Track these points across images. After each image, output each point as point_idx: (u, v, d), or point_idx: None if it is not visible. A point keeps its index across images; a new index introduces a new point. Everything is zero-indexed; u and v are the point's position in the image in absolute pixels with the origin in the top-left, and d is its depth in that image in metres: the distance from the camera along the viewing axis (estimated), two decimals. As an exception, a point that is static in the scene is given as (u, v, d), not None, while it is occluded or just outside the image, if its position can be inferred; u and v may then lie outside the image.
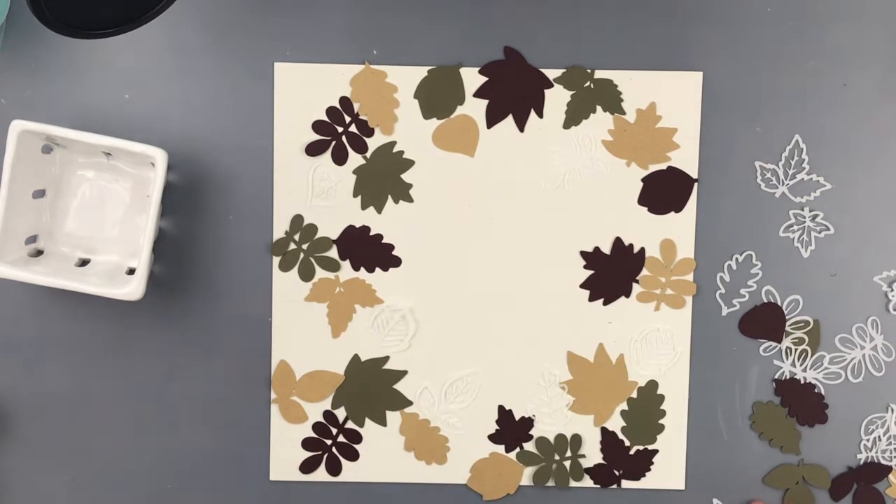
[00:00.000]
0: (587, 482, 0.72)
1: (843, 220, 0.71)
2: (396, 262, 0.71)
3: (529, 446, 0.72)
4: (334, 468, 0.71)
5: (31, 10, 0.55)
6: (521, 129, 0.70)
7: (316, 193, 0.70)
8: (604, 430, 0.72)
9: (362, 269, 0.71)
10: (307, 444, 0.71)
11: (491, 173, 0.70)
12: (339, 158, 0.70)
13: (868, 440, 0.72)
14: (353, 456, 0.71)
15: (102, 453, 0.71)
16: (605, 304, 0.71)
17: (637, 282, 0.71)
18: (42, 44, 0.69)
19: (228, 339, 0.70)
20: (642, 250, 0.71)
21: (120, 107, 0.69)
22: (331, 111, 0.70)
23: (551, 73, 0.70)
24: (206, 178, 0.70)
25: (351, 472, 0.72)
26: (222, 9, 0.69)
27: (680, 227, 0.71)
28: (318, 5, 0.69)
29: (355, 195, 0.70)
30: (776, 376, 0.72)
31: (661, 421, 0.72)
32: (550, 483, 0.72)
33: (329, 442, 0.71)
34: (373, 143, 0.70)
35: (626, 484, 0.72)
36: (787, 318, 0.71)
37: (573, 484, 0.72)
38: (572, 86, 0.70)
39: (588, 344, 0.71)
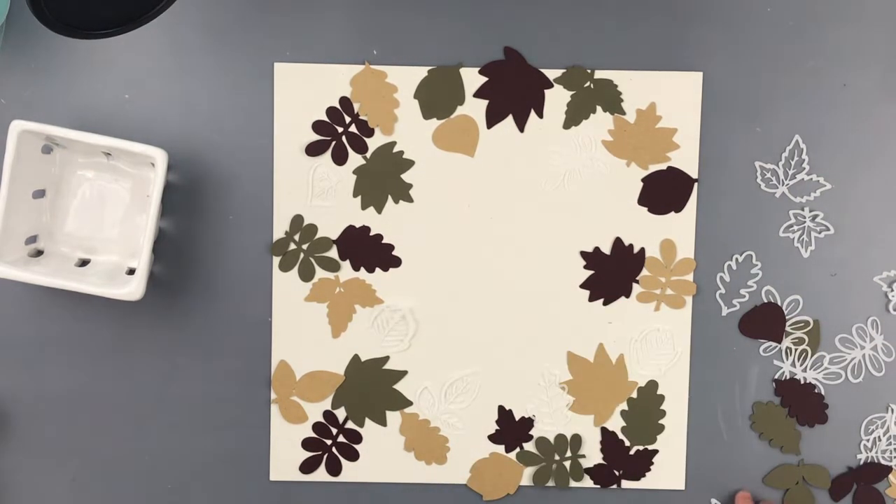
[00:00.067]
0: (587, 482, 0.72)
1: (843, 220, 0.71)
2: (396, 262, 0.71)
3: (529, 446, 0.72)
4: (334, 468, 0.71)
5: (31, 10, 0.55)
6: (521, 129, 0.70)
7: (316, 193, 0.70)
8: (604, 430, 0.72)
9: (362, 269, 0.71)
10: (307, 444, 0.71)
11: (491, 173, 0.70)
12: (339, 158, 0.70)
13: (868, 440, 0.72)
14: (353, 456, 0.71)
15: (102, 453, 0.71)
16: (605, 304, 0.71)
17: (637, 282, 0.71)
18: (42, 44, 0.69)
19: (228, 339, 0.70)
20: (642, 250, 0.71)
21: (120, 107, 0.69)
22: (331, 111, 0.70)
23: (551, 73, 0.70)
24: (206, 178, 0.70)
25: (351, 472, 0.72)
26: (222, 9, 0.69)
27: (680, 227, 0.71)
28: (318, 5, 0.69)
29: (355, 195, 0.70)
30: (776, 376, 0.72)
31: (661, 421, 0.72)
32: (550, 483, 0.72)
33: (329, 442, 0.71)
34: (373, 143, 0.70)
35: (626, 484, 0.72)
36: (787, 318, 0.71)
37: (573, 484, 0.72)
38: (572, 86, 0.70)
39: (588, 344, 0.71)
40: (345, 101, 0.70)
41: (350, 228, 0.70)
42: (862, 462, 0.72)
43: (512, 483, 0.72)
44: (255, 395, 0.71)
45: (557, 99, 0.70)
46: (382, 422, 0.71)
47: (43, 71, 0.69)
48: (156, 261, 0.70)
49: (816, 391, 0.72)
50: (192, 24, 0.69)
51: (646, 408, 0.72)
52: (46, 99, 0.69)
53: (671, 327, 0.71)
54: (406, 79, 0.70)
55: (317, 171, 0.70)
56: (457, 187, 0.70)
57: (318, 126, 0.70)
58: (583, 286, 0.71)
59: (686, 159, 0.70)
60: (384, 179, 0.70)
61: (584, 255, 0.71)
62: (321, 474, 0.71)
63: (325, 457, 0.71)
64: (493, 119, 0.70)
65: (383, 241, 0.71)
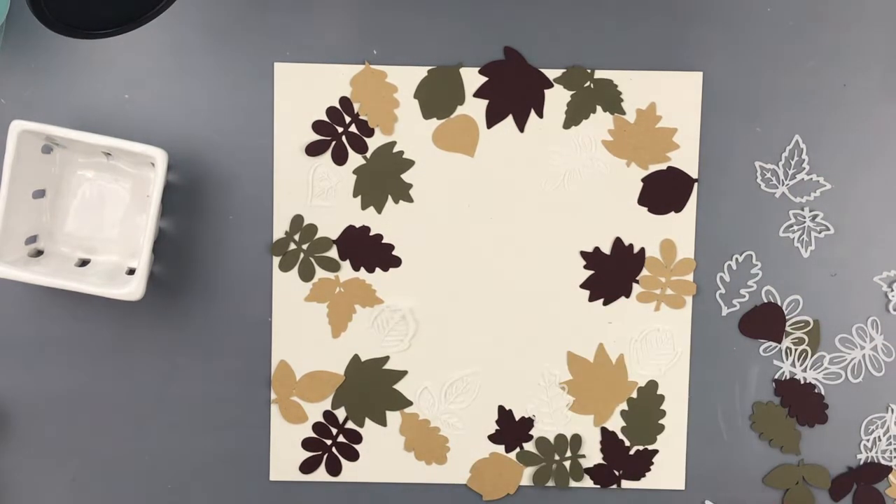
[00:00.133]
0: (587, 482, 0.72)
1: (843, 220, 0.71)
2: (396, 262, 0.71)
3: (529, 446, 0.72)
4: (334, 468, 0.71)
5: (31, 10, 0.55)
6: (521, 129, 0.70)
7: (316, 193, 0.70)
8: (604, 430, 0.72)
9: (362, 269, 0.71)
10: (307, 444, 0.71)
11: (491, 173, 0.70)
12: (339, 158, 0.70)
13: (868, 440, 0.72)
14: (353, 456, 0.71)
15: (102, 453, 0.71)
16: (605, 304, 0.71)
17: (637, 282, 0.71)
18: (42, 44, 0.69)
19: (228, 339, 0.70)
20: (642, 250, 0.71)
21: (120, 107, 0.69)
22: (331, 111, 0.70)
23: (551, 73, 0.70)
24: (206, 178, 0.70)
25: (351, 472, 0.72)
26: (222, 9, 0.69)
27: (680, 227, 0.71)
28: (318, 5, 0.69)
29: (355, 195, 0.70)
30: (776, 376, 0.72)
31: (661, 421, 0.72)
32: (550, 483, 0.72)
33: (329, 442, 0.71)
34: (373, 143, 0.70)
35: (626, 484, 0.72)
36: (787, 318, 0.71)
37: (573, 484, 0.72)
38: (572, 86, 0.70)
39: (588, 344, 0.71)
40: (345, 101, 0.70)
41: (350, 228, 0.70)
42: (862, 462, 0.72)
43: (512, 483, 0.72)
44: (255, 395, 0.71)
45: (557, 99, 0.70)
46: (382, 422, 0.71)
47: (43, 71, 0.69)
48: (156, 261, 0.70)
49: (816, 391, 0.72)
50: (192, 24, 0.69)
51: (646, 408, 0.72)
52: (46, 99, 0.69)
53: (671, 327, 0.71)
54: (406, 79, 0.70)
55: (317, 171, 0.70)
56: (457, 187, 0.70)
57: (318, 126, 0.70)
58: (583, 286, 0.71)
59: (686, 159, 0.70)
60: (384, 179, 0.70)
61: (584, 255, 0.71)
62: (321, 474, 0.71)
63: (325, 457, 0.71)
64: (493, 119, 0.70)
65: (383, 241, 0.71)
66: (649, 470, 0.72)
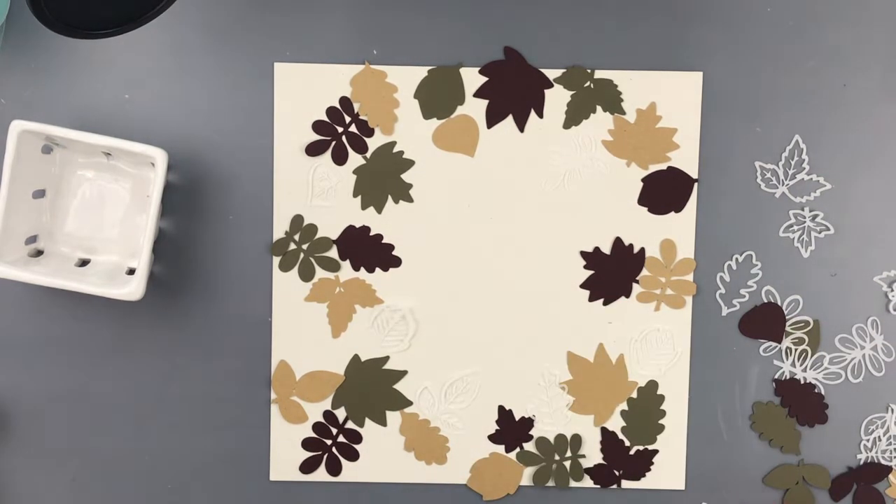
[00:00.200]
0: (587, 482, 0.72)
1: (843, 220, 0.71)
2: (396, 262, 0.71)
3: (529, 446, 0.72)
4: (334, 468, 0.71)
5: (31, 10, 0.55)
6: (521, 129, 0.70)
7: (316, 193, 0.70)
8: (604, 430, 0.72)
9: (362, 269, 0.71)
10: (307, 444, 0.71)
11: (491, 173, 0.70)
12: (339, 158, 0.70)
13: (868, 440, 0.72)
14: (353, 456, 0.71)
15: (102, 453, 0.71)
16: (605, 304, 0.71)
17: (637, 282, 0.71)
18: (42, 44, 0.69)
19: (228, 339, 0.70)
20: (642, 250, 0.71)
21: (120, 107, 0.69)
22: (331, 111, 0.70)
23: (551, 73, 0.70)
24: (206, 178, 0.70)
25: (351, 472, 0.72)
26: (222, 9, 0.69)
27: (680, 227, 0.71)
28: (318, 5, 0.69)
29: (355, 195, 0.70)
30: (776, 376, 0.72)
31: (661, 421, 0.72)
32: (550, 483, 0.72)
33: (329, 442, 0.71)
34: (373, 143, 0.70)
35: (626, 484, 0.72)
36: (787, 318, 0.71)
37: (573, 484, 0.72)
38: (572, 86, 0.70)
39: (588, 344, 0.71)
40: (345, 101, 0.70)
41: (350, 228, 0.70)
42: (862, 462, 0.72)
43: (512, 483, 0.72)
44: (255, 395, 0.71)
45: (557, 99, 0.70)
46: (382, 422, 0.71)
47: (43, 71, 0.69)
48: (156, 261, 0.70)
49: (816, 391, 0.72)
50: (192, 24, 0.69)
51: (646, 408, 0.72)
52: (46, 99, 0.69)
53: (671, 327, 0.71)
54: (406, 79, 0.70)
55: (317, 171, 0.70)
56: (457, 187, 0.70)
57: (318, 126, 0.70)
58: (583, 286, 0.71)
59: (686, 159, 0.70)
60: (384, 179, 0.70)
61: (584, 255, 0.71)
62: (321, 474, 0.71)
63: (325, 457, 0.71)
64: (493, 119, 0.70)
65: (383, 241, 0.71)
66: (649, 470, 0.72)
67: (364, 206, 0.70)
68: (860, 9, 0.70)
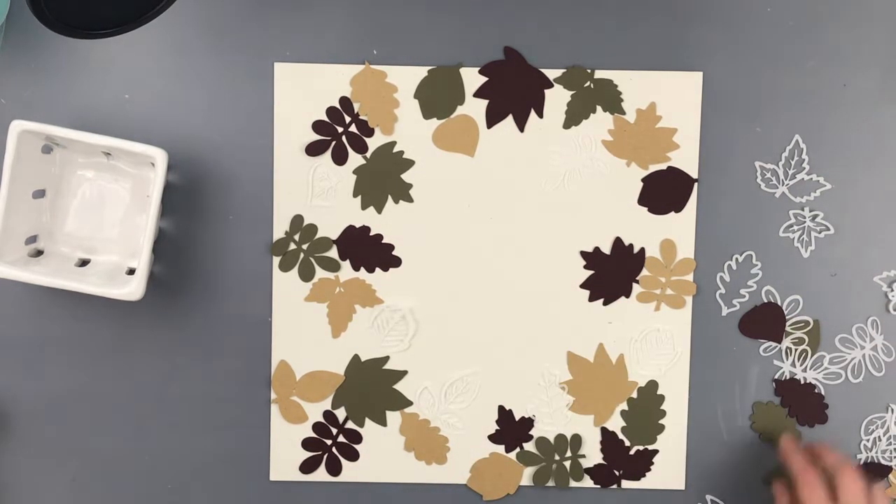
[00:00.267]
0: (587, 482, 0.72)
1: (843, 220, 0.71)
2: (396, 262, 0.71)
3: (529, 446, 0.72)
4: (334, 468, 0.71)
5: (31, 10, 0.55)
6: (521, 129, 0.70)
7: (316, 193, 0.70)
8: (604, 430, 0.72)
9: (362, 269, 0.71)
10: (307, 444, 0.71)
11: (491, 173, 0.70)
12: (339, 158, 0.70)
13: (868, 440, 0.72)
14: (353, 456, 0.71)
15: (102, 453, 0.71)
16: (605, 304, 0.71)
17: (637, 282, 0.71)
18: (42, 44, 0.69)
19: (228, 339, 0.70)
20: (642, 250, 0.71)
21: (120, 107, 0.69)
22: (331, 111, 0.70)
23: (551, 73, 0.70)
24: (206, 178, 0.70)
25: (351, 472, 0.72)
26: (222, 9, 0.69)
27: (680, 227, 0.71)
28: (318, 5, 0.69)
29: (355, 195, 0.70)
30: (776, 376, 0.72)
31: (661, 421, 0.72)
32: (550, 483, 0.72)
33: (329, 442, 0.71)
34: (373, 143, 0.70)
35: (626, 484, 0.72)
36: (787, 318, 0.71)
37: (573, 484, 0.72)
38: (572, 86, 0.70)
39: (588, 344, 0.71)
40: (345, 101, 0.70)
41: (350, 228, 0.70)
42: (862, 462, 0.72)
43: (512, 483, 0.72)
44: (255, 395, 0.71)
45: (557, 99, 0.70)
46: (382, 422, 0.71)
47: (43, 71, 0.69)
48: (156, 261, 0.70)
49: (816, 391, 0.72)
50: (192, 24, 0.69)
51: (646, 408, 0.72)
52: (46, 99, 0.69)
53: (671, 327, 0.71)
54: (406, 79, 0.70)
55: (317, 171, 0.70)
56: (457, 187, 0.70)
57: (318, 126, 0.70)
58: (583, 286, 0.71)
59: (686, 159, 0.70)
60: (384, 179, 0.70)
61: (584, 255, 0.71)
62: (321, 474, 0.71)
63: (325, 457, 0.71)
64: (493, 119, 0.70)
65: (383, 241, 0.71)
66: (649, 470, 0.72)
67: (364, 206, 0.70)
68: (860, 9, 0.70)
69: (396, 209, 0.70)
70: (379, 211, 0.70)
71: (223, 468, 0.71)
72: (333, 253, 0.70)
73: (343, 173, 0.70)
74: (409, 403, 0.71)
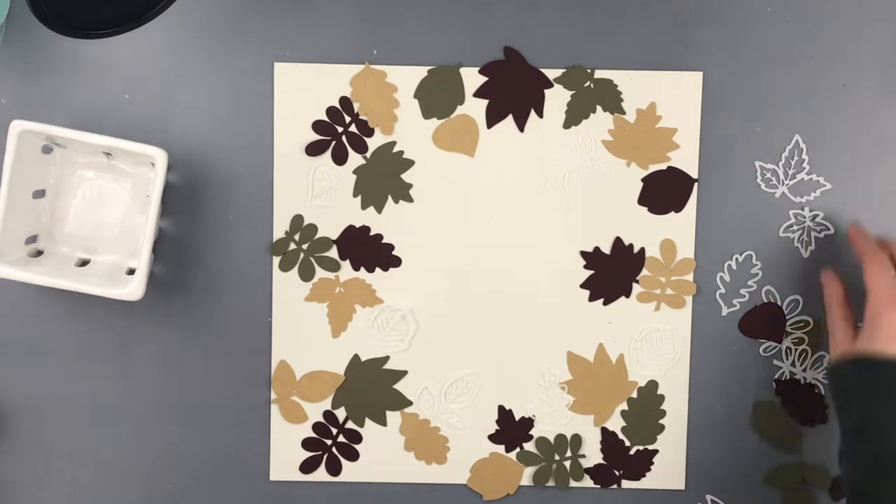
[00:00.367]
0: (587, 482, 0.72)
1: (843, 220, 0.71)
2: (396, 262, 0.71)
3: (529, 446, 0.72)
4: (334, 468, 0.71)
5: (31, 10, 0.55)
6: (521, 129, 0.70)
7: (316, 193, 0.70)
8: (604, 430, 0.72)
9: (362, 269, 0.71)
10: (307, 444, 0.71)
11: (491, 173, 0.70)
12: (339, 158, 0.70)
13: (868, 440, 0.72)
14: (353, 456, 0.71)
15: (102, 453, 0.71)
16: (605, 304, 0.71)
17: (637, 282, 0.71)
18: (42, 44, 0.69)
19: (228, 339, 0.70)
20: (642, 250, 0.71)
21: (120, 107, 0.69)
22: (331, 111, 0.70)
23: (551, 73, 0.70)
24: (206, 178, 0.70)
25: (351, 472, 0.72)
26: (222, 9, 0.69)
27: (680, 227, 0.71)
28: (318, 5, 0.69)
29: (355, 195, 0.70)
30: (776, 376, 0.72)
31: (661, 421, 0.72)
32: (550, 483, 0.72)
33: (329, 442, 0.71)
34: (373, 143, 0.70)
35: (626, 484, 0.72)
36: (787, 318, 0.71)
37: (573, 484, 0.72)
38: (572, 86, 0.70)
39: (588, 344, 0.71)
40: (345, 101, 0.70)
41: (350, 228, 0.70)
42: (862, 462, 0.72)
43: (512, 483, 0.72)
44: (255, 395, 0.71)
45: (557, 99, 0.70)
46: (382, 422, 0.71)
47: (43, 71, 0.69)
48: (156, 261, 0.70)
49: (816, 391, 0.72)
50: (192, 24, 0.69)
51: (646, 408, 0.72)
52: (46, 99, 0.69)
53: (671, 327, 0.71)
54: (406, 79, 0.70)
55: (317, 171, 0.70)
56: (457, 187, 0.70)
57: (318, 126, 0.70)
58: (583, 286, 0.71)
59: (686, 159, 0.70)
60: (384, 179, 0.70)
61: (584, 255, 0.71)
62: (321, 474, 0.71)
63: (325, 457, 0.71)
64: (493, 119, 0.70)
65: (383, 241, 0.71)
66: (649, 470, 0.72)
67: (364, 206, 0.70)
68: (860, 9, 0.70)
69: (396, 209, 0.70)
70: (379, 211, 0.70)
71: (223, 468, 0.71)
72: (333, 253, 0.70)
73: (343, 173, 0.70)
74: (409, 403, 0.71)
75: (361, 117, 0.70)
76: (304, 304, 0.70)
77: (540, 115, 0.70)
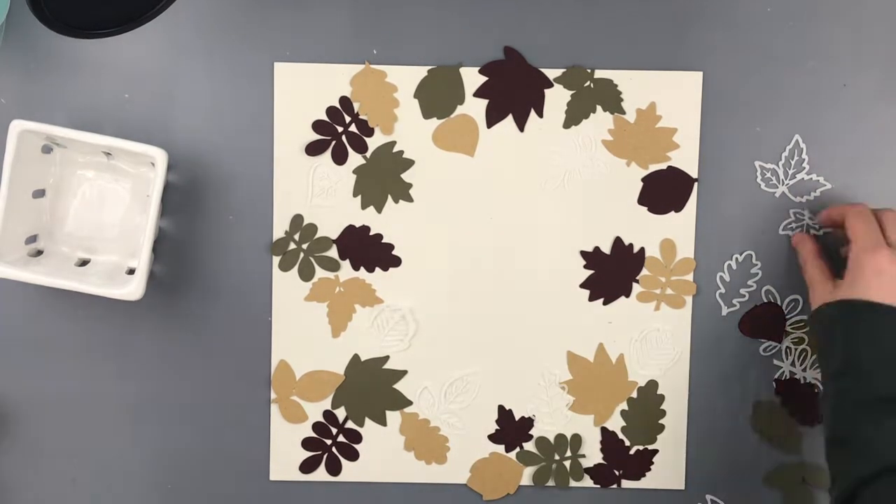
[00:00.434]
0: (587, 482, 0.72)
1: (843, 219, 0.71)
2: (396, 261, 0.71)
3: (529, 446, 0.72)
4: (334, 468, 0.71)
5: (31, 10, 0.55)
6: (521, 128, 0.70)
7: (316, 193, 0.70)
8: (604, 430, 0.72)
9: (362, 268, 0.71)
10: (307, 444, 0.71)
11: (491, 173, 0.70)
12: (339, 158, 0.70)
13: (868, 440, 0.72)
14: (353, 456, 0.71)
15: (102, 453, 0.71)
16: (605, 304, 0.71)
17: (637, 282, 0.71)
18: (42, 44, 0.69)
19: (228, 339, 0.70)
20: (642, 250, 0.71)
21: (120, 107, 0.69)
22: (331, 111, 0.70)
23: (551, 73, 0.70)
24: (206, 178, 0.70)
25: (351, 472, 0.72)
26: (222, 9, 0.69)
27: (680, 227, 0.71)
28: (318, 5, 0.69)
29: (355, 195, 0.70)
30: (776, 376, 0.72)
31: (661, 421, 0.72)
32: (550, 483, 0.72)
33: (329, 442, 0.71)
34: (373, 142, 0.70)
35: (626, 484, 0.72)
36: (786, 317, 0.71)
37: (573, 484, 0.72)
38: (572, 86, 0.70)
39: (588, 344, 0.71)
40: (345, 101, 0.70)
41: (350, 228, 0.70)
42: (862, 462, 0.72)
43: (512, 483, 0.72)
44: (255, 395, 0.71)
45: (557, 99, 0.70)
46: (382, 422, 0.71)
47: (43, 71, 0.69)
48: (156, 261, 0.70)
49: (816, 391, 0.72)
50: (192, 24, 0.69)
51: (646, 408, 0.72)
52: (46, 99, 0.69)
53: (671, 327, 0.71)
54: (406, 79, 0.70)
55: (317, 171, 0.70)
56: (457, 187, 0.70)
57: (318, 126, 0.70)
58: (583, 286, 0.71)
59: (686, 159, 0.70)
60: (384, 179, 0.70)
61: (584, 254, 0.71)
62: (321, 474, 0.71)
63: (325, 457, 0.71)
64: (493, 119, 0.70)
65: (383, 241, 0.71)
66: (649, 470, 0.72)
67: (364, 206, 0.70)
68: (860, 9, 0.70)
69: (396, 209, 0.70)
70: (379, 211, 0.70)
71: (223, 468, 0.71)
72: (333, 253, 0.70)
73: (343, 173, 0.70)
74: (409, 403, 0.71)
75: (361, 117, 0.70)
76: (303, 304, 0.70)
77: (540, 114, 0.70)
